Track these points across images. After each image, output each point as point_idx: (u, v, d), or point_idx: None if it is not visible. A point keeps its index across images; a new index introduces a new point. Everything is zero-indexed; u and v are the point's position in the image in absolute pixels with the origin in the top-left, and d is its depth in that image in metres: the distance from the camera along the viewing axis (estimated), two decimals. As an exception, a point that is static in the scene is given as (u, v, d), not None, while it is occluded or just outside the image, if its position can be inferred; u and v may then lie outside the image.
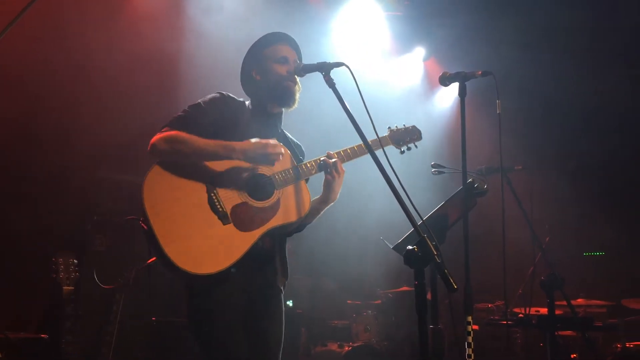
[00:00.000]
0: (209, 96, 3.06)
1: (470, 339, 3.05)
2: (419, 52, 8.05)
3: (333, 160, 3.04)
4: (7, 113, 4.75)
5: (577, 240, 7.50)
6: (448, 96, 8.08)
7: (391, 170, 2.62)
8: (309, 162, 3.06)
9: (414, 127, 3.39)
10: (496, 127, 7.23)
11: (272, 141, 2.91)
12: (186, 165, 2.87)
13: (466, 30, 7.59)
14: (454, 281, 2.51)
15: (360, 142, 3.00)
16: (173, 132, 2.87)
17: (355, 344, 5.87)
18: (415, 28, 7.91)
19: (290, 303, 3.04)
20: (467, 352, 3.06)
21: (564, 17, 6.69)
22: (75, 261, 4.09)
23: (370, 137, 2.79)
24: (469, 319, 3.06)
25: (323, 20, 7.25)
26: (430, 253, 2.50)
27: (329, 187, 3.06)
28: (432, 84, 8.20)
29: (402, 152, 3.32)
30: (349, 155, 3.13)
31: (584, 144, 7.37)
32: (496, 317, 5.71)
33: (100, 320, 4.62)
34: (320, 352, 5.85)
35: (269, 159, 2.90)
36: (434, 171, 3.67)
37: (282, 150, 2.92)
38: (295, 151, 3.21)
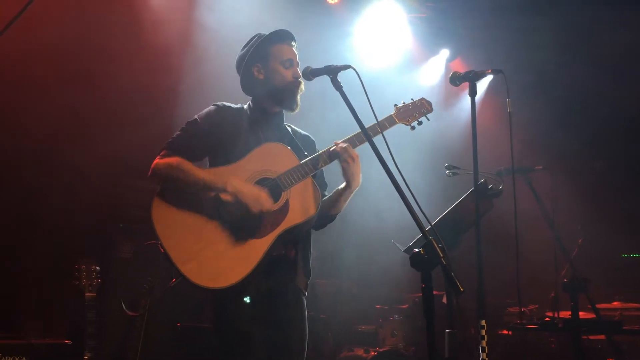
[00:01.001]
0: (205, 110, 3.09)
1: (484, 343, 2.99)
2: (444, 54, 8.00)
3: (343, 145, 2.99)
4: (31, 118, 4.86)
5: (614, 242, 7.29)
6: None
7: (398, 172, 2.61)
8: (313, 157, 3.02)
9: (422, 99, 3.25)
10: (525, 125, 7.15)
11: (263, 195, 2.87)
12: None
13: (491, 30, 7.53)
14: (460, 284, 2.48)
15: (372, 124, 2.96)
16: (173, 160, 2.91)
17: (382, 349, 5.81)
18: (440, 29, 7.88)
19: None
20: (481, 357, 3.00)
21: (589, 19, 6.57)
22: (97, 268, 4.16)
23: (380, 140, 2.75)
24: (483, 322, 3.01)
25: (344, 23, 7.26)
26: (436, 255, 2.47)
27: (346, 174, 3.02)
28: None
29: (413, 128, 3.21)
30: (362, 139, 3.02)
31: (614, 143, 7.19)
32: (523, 321, 5.58)
33: (126, 325, 4.70)
34: (346, 357, 5.81)
35: (250, 211, 2.85)
36: (448, 173, 3.61)
37: (266, 208, 2.87)
38: (300, 146, 3.17)
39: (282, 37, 3.16)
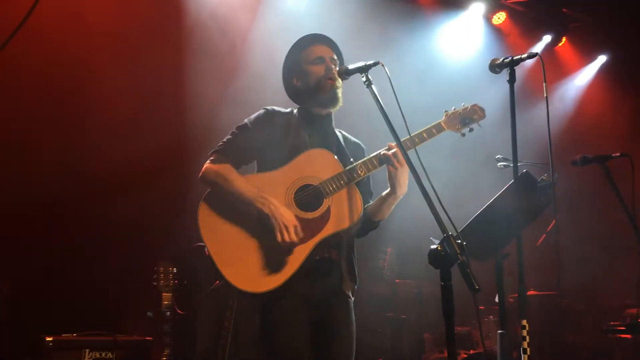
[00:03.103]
0: (254, 115, 3.15)
1: (525, 344, 2.82)
2: (547, 40, 7.57)
3: (392, 151, 2.93)
4: (104, 117, 5.21)
5: None
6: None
7: (422, 169, 2.54)
8: (356, 165, 3.00)
9: (474, 105, 3.10)
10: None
11: (291, 225, 2.85)
12: None
13: (599, 12, 7.07)
14: (476, 281, 2.38)
15: (418, 131, 2.96)
16: (220, 167, 3.01)
17: (475, 351, 5.59)
18: (542, 15, 7.48)
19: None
20: (522, 359, 2.83)
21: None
22: (174, 269, 4.40)
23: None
24: (524, 322, 2.84)
25: (435, 17, 7.11)
26: (454, 252, 2.38)
27: (392, 179, 2.96)
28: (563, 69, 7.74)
29: (463, 135, 3.08)
30: (408, 145, 2.90)
31: None
32: (616, 322, 5.11)
33: (216, 325, 4.93)
34: (435, 359, 5.65)
35: (277, 237, 2.84)
36: (500, 165, 3.41)
37: (293, 240, 2.85)
38: (348, 153, 3.16)
39: (309, 40, 3.20)
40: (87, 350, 4.25)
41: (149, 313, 3.71)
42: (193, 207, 3.00)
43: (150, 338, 4.44)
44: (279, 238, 2.83)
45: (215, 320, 5.04)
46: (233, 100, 5.24)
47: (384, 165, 2.97)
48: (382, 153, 2.97)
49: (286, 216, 2.87)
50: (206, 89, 5.47)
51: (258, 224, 2.91)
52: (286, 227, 2.84)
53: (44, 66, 5.05)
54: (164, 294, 4.31)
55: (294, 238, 2.85)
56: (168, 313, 4.28)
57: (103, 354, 4.28)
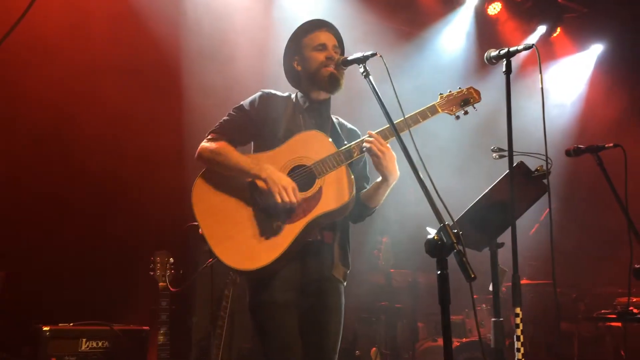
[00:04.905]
0: (251, 97, 3.19)
1: (519, 332, 2.86)
2: (541, 30, 7.61)
3: (370, 139, 2.96)
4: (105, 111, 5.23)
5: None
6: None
7: (418, 158, 2.55)
8: (350, 146, 3.02)
9: (470, 88, 3.15)
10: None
11: (289, 186, 2.88)
12: None
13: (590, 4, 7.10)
14: (471, 270, 2.40)
15: (413, 112, 2.99)
16: (217, 144, 3.04)
17: (468, 340, 5.65)
18: (535, 6, 7.52)
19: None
20: (516, 346, 2.87)
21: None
22: (171, 260, 4.41)
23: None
24: (517, 310, 2.87)
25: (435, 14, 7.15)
26: (451, 241, 2.40)
27: (378, 168, 2.99)
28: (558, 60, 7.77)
29: (458, 118, 3.12)
30: (409, 125, 2.94)
31: None
32: (607, 310, 5.17)
33: (212, 315, 4.97)
34: (428, 348, 5.70)
35: (276, 200, 2.87)
36: (495, 155, 3.42)
37: (292, 200, 2.87)
38: (343, 137, 3.20)
39: (313, 25, 3.22)
40: (84, 340, 4.27)
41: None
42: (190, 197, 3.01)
43: (147, 327, 4.45)
44: (278, 199, 2.85)
45: (210, 305, 5.08)
46: (232, 95, 5.26)
47: None
48: (364, 146, 2.98)
49: (283, 179, 2.91)
50: (205, 83, 5.48)
51: (251, 204, 2.95)
52: (284, 188, 2.87)
53: (45, 63, 5.07)
54: (160, 283, 4.31)
55: (293, 199, 2.87)
56: (164, 303, 4.28)
57: (100, 344, 4.30)
